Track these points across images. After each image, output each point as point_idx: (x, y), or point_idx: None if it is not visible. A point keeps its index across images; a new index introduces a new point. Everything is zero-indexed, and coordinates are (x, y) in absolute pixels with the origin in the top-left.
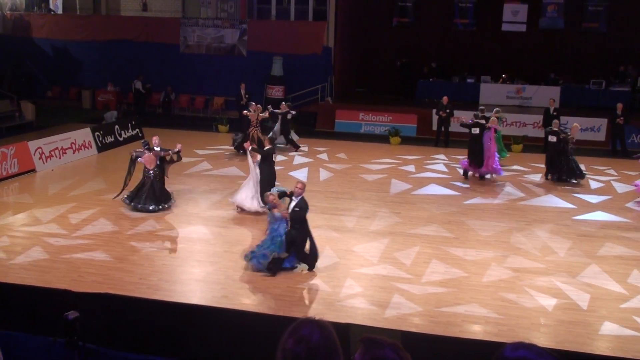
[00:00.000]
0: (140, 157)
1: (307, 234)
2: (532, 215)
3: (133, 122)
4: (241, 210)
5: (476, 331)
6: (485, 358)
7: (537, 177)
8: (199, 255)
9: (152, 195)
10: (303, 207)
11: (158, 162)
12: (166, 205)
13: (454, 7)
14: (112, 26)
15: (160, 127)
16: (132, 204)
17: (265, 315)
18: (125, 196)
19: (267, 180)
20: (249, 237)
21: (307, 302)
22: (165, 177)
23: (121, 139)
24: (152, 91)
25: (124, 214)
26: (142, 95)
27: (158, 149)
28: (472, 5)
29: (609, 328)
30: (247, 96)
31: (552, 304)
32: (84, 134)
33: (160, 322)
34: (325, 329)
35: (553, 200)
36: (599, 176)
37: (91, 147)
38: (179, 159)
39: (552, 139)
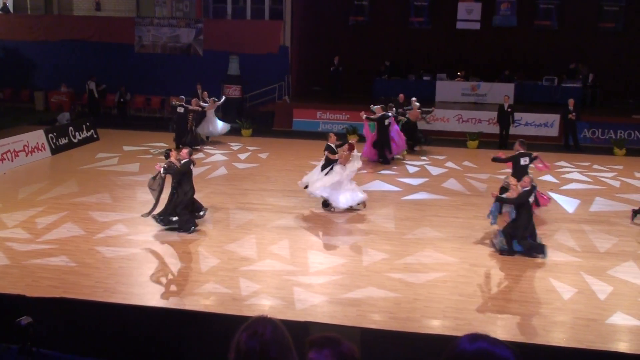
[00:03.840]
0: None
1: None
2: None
3: (88, 124)
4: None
5: (435, 326)
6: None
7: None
8: (156, 257)
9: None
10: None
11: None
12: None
13: (410, 6)
14: (64, 26)
15: (116, 128)
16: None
17: (223, 316)
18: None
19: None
20: (205, 238)
21: (264, 301)
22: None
23: (75, 141)
24: (106, 92)
25: (92, 218)
26: (96, 96)
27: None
28: (427, 4)
29: (562, 320)
30: (204, 94)
31: (508, 296)
32: (37, 136)
33: (117, 325)
34: (278, 327)
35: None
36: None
37: (45, 150)
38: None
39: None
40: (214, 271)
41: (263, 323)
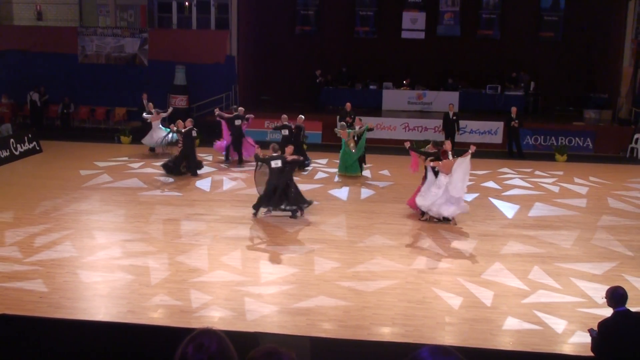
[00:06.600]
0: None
1: None
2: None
3: (30, 135)
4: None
5: (384, 333)
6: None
7: None
8: (103, 270)
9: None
10: None
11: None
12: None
13: (355, 16)
14: (5, 36)
15: (60, 140)
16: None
17: (173, 329)
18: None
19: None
20: (154, 250)
21: (214, 313)
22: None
23: (17, 153)
24: (49, 103)
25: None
26: (38, 108)
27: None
28: (372, 13)
29: (510, 323)
30: (149, 105)
31: (457, 302)
32: None
33: (62, 341)
34: (223, 339)
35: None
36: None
37: None
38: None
39: (285, 132)
40: (163, 283)
41: (209, 336)
